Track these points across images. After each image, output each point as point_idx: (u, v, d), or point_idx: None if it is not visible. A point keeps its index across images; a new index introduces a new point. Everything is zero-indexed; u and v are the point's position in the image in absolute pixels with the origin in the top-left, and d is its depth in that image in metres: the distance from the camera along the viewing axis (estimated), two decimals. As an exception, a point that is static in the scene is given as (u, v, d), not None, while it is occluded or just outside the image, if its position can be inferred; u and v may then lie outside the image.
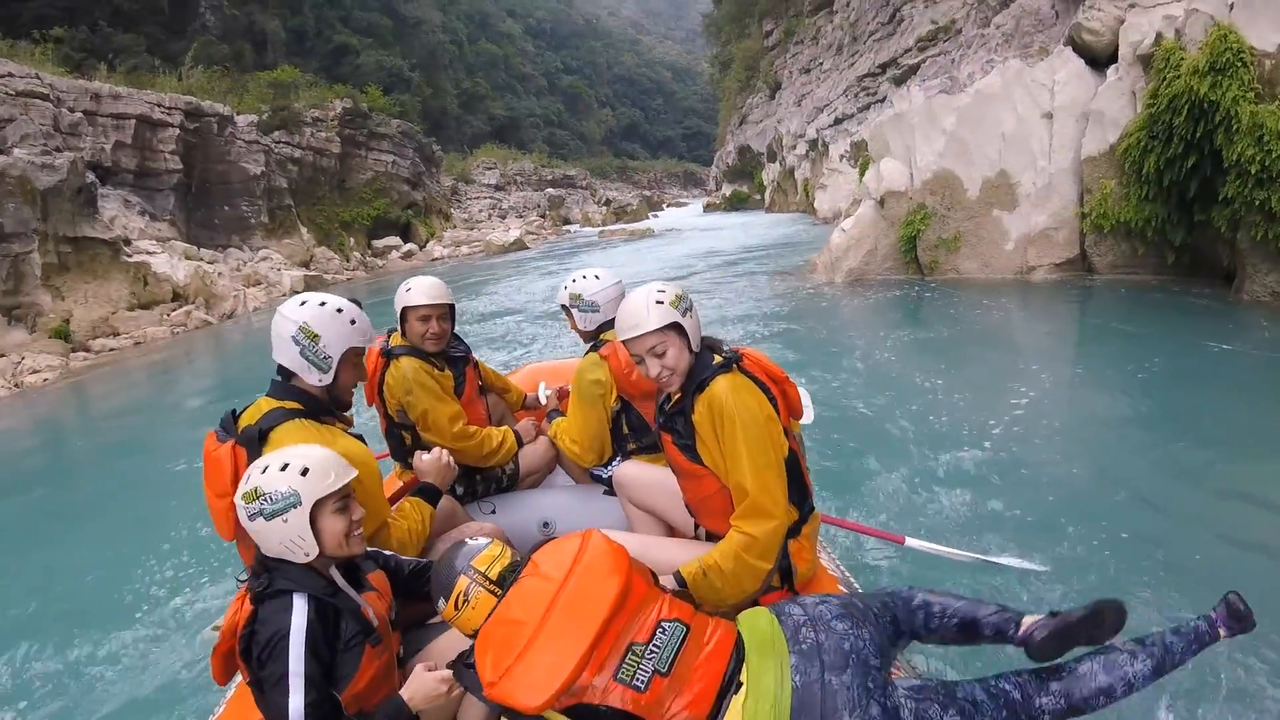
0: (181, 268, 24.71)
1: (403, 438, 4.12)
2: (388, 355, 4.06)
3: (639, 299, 2.98)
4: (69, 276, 21.22)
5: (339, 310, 3.04)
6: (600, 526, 3.14)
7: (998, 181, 14.91)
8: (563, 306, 4.24)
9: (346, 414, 3.15)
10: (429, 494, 3.35)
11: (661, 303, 2.95)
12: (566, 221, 60.86)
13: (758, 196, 55.01)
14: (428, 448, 3.78)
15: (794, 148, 43.60)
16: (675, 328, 2.96)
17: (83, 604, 6.28)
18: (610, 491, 4.03)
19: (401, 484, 3.88)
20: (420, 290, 4.05)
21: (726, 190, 63.26)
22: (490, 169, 66.45)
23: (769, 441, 2.86)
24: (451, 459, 3.49)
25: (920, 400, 8.62)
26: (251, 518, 2.37)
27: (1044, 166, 14.39)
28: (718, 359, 2.97)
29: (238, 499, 2.40)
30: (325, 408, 3.04)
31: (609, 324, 4.04)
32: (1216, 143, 10.98)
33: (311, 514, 2.37)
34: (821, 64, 40.83)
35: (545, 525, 4.03)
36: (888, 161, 16.48)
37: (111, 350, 20.03)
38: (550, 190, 66.45)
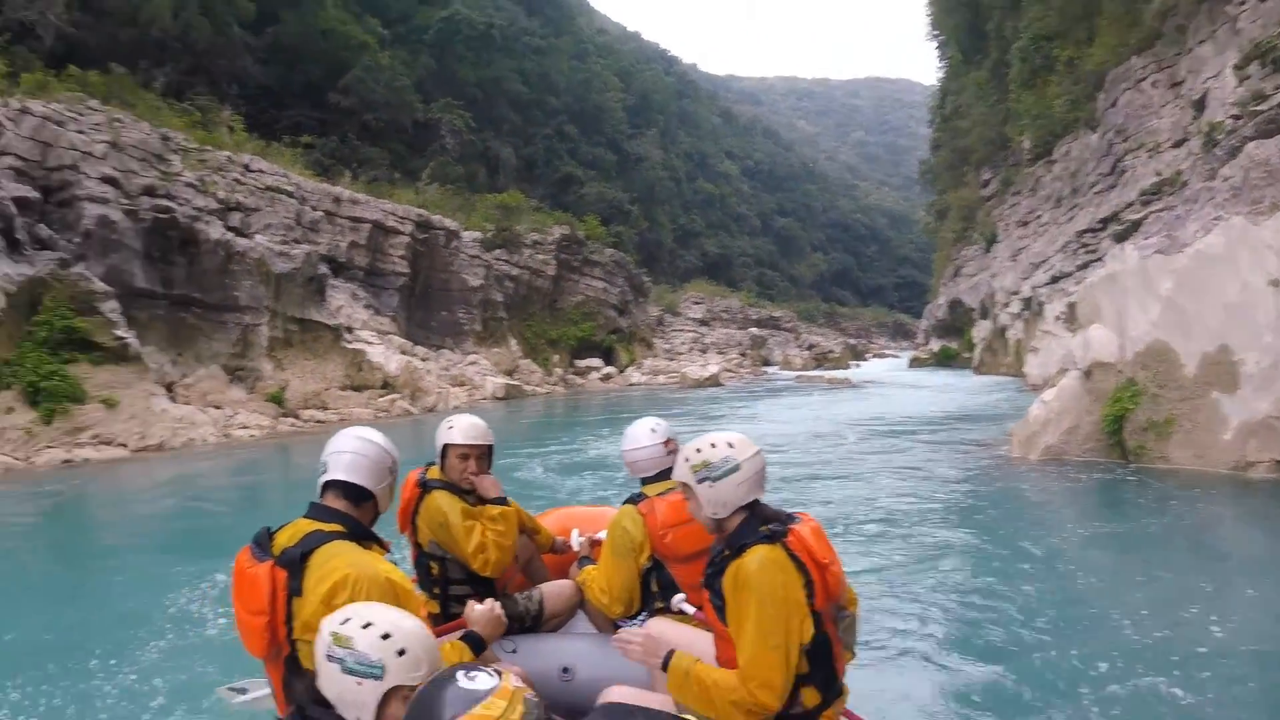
0: (394, 360, 26.51)
1: (430, 568, 4.20)
2: (423, 487, 4.18)
3: (684, 448, 3.12)
4: (291, 351, 23.55)
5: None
6: (622, 680, 3.29)
7: (1218, 358, 12.49)
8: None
9: (383, 540, 3.14)
10: (473, 642, 3.17)
11: (688, 460, 3.06)
12: (767, 362, 60.59)
13: (967, 355, 52.02)
14: (456, 579, 4.07)
15: (1007, 305, 41.20)
16: (688, 488, 3.06)
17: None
18: None
19: (426, 614, 3.64)
20: (461, 430, 4.17)
21: (935, 345, 60.87)
22: (698, 303, 67.50)
23: (782, 623, 2.80)
24: (502, 613, 3.35)
25: (1098, 604, 7.24)
26: (330, 659, 2.25)
27: (1270, 343, 11.98)
28: (766, 528, 2.95)
29: (327, 631, 2.28)
30: (366, 532, 3.07)
31: (654, 478, 4.05)
32: None
33: (381, 695, 2.21)
34: (1039, 216, 38.72)
35: (565, 671, 3.93)
36: (1096, 328, 14.72)
37: (318, 421, 21.81)
38: (754, 330, 66.75)
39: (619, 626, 4.10)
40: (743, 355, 58.40)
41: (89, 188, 20.26)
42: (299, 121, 45.34)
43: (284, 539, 2.92)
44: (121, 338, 18.46)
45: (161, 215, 21.22)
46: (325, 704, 2.32)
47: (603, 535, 4.17)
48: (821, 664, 2.92)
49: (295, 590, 2.76)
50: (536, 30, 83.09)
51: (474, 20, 63.71)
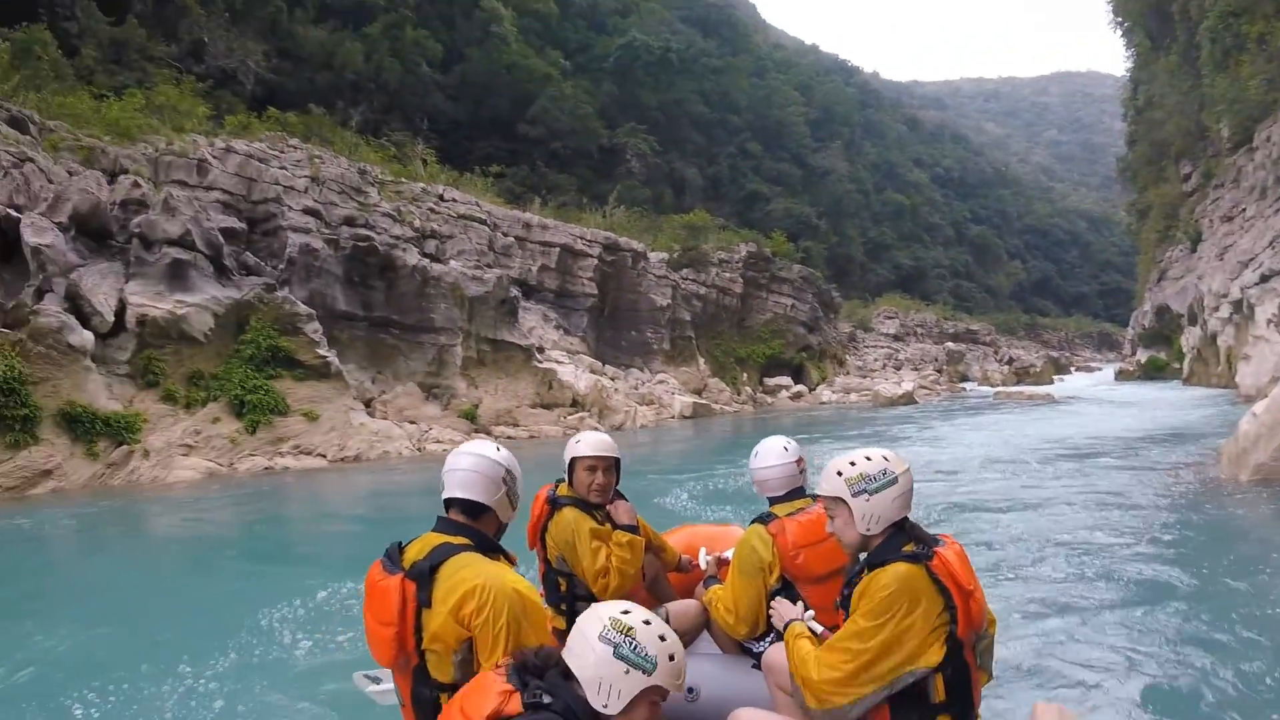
0: (584, 379, 26.85)
1: (558, 584, 4.18)
2: (553, 503, 4.17)
3: (833, 463, 3.04)
4: (484, 370, 24.48)
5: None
6: (746, 702, 3.20)
7: None
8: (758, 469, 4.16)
9: (509, 552, 3.13)
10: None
11: (841, 474, 2.98)
12: (964, 378, 58.25)
13: (1176, 365, 48.75)
14: (583, 595, 4.00)
15: (1216, 309, 37.71)
16: (841, 502, 2.98)
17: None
18: (758, 666, 3.80)
19: (552, 627, 3.77)
20: (589, 443, 4.18)
21: (1141, 356, 57.07)
22: (890, 318, 65.59)
23: (893, 644, 2.76)
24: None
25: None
26: (606, 641, 2.26)
27: None
28: (910, 547, 2.88)
29: (607, 616, 2.32)
30: (492, 544, 3.06)
31: (783, 497, 4.01)
32: None
33: (641, 690, 2.24)
34: (1244, 210, 35.62)
35: (690, 692, 3.86)
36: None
37: (509, 438, 22.23)
38: (950, 344, 64.29)
39: (744, 648, 4.07)
40: (938, 371, 56.33)
41: (292, 218, 21.68)
42: (489, 153, 46.84)
43: (414, 553, 2.96)
44: (323, 356, 19.58)
45: (360, 243, 22.42)
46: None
47: (729, 554, 4.19)
48: (960, 693, 2.83)
49: (424, 602, 2.81)
50: (714, 50, 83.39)
51: (651, 45, 64.46)
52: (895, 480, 2.94)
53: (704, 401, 32.77)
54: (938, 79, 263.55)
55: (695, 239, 42.98)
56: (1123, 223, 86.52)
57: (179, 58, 34.35)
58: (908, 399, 39.03)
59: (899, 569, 2.78)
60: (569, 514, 4.08)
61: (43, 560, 10.96)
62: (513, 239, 31.38)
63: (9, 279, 16.21)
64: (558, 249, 32.51)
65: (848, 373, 47.72)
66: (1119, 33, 66.35)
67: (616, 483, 4.28)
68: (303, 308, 19.73)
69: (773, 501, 4.01)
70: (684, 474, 15.78)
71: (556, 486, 4.27)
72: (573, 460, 4.18)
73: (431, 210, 27.58)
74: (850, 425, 27.66)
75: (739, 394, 37.70)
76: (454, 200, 29.59)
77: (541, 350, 27.54)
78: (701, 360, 37.66)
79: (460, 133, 50.67)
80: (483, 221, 29.80)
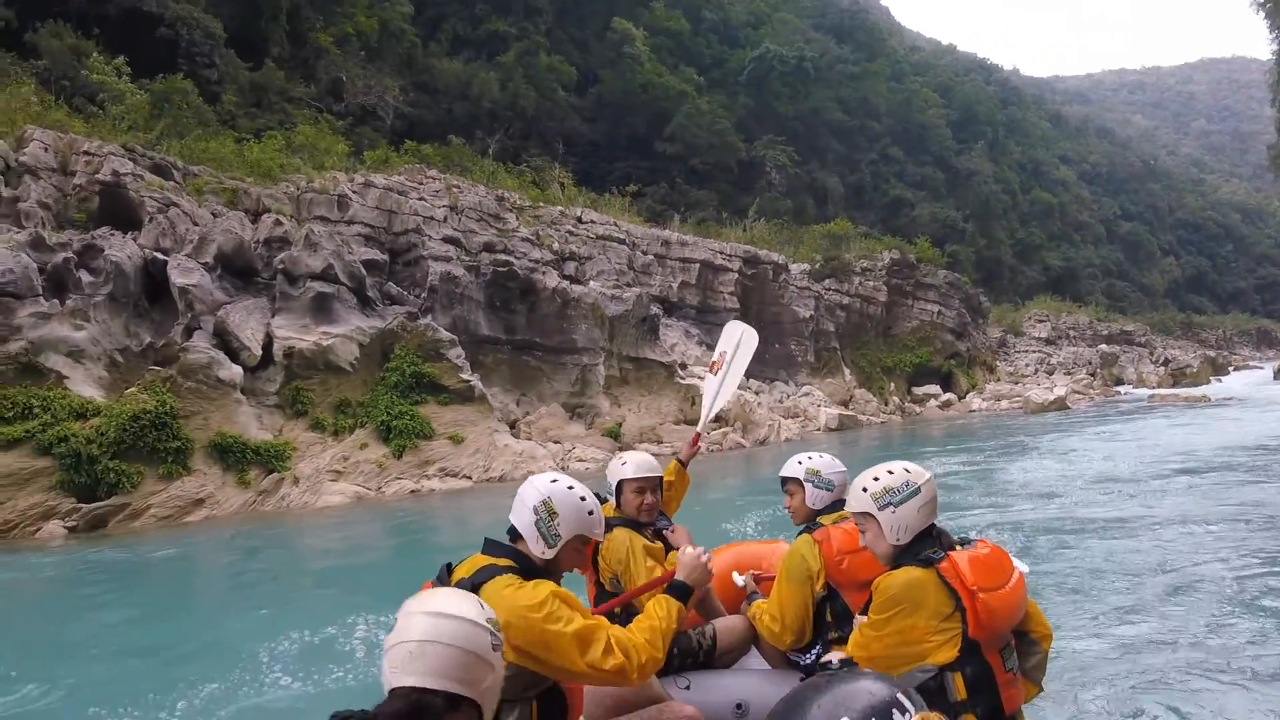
0: None
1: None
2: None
3: (859, 478, 3.21)
4: (627, 388, 24.58)
5: (583, 499, 3.14)
6: None
7: None
8: (792, 479, 4.22)
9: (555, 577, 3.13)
10: (679, 591, 3.24)
11: (866, 490, 3.14)
12: (1119, 381, 55.48)
13: None
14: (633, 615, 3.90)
15: None
16: (870, 517, 3.14)
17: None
18: (807, 677, 3.79)
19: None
20: (635, 464, 4.31)
21: None
22: (1041, 321, 62.97)
23: (896, 636, 2.99)
24: (709, 560, 3.38)
25: None
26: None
27: None
28: (926, 553, 3.04)
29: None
30: (539, 571, 3.04)
31: (830, 508, 4.12)
32: None
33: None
34: None
35: (739, 708, 3.96)
36: None
37: (654, 454, 21.78)
38: (1104, 346, 61.33)
39: (792, 661, 4.14)
40: (1092, 375, 53.53)
41: (432, 248, 22.26)
42: (628, 172, 46.86)
43: (461, 572, 3.03)
44: (466, 380, 19.99)
45: (500, 268, 22.82)
46: None
47: (768, 574, 4.40)
48: (984, 694, 2.94)
49: None
50: (849, 56, 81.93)
51: (785, 56, 63.49)
52: (919, 490, 3.09)
53: (850, 413, 31.98)
54: (1079, 73, 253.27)
55: (837, 248, 42.08)
56: (1278, 214, 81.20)
57: (318, 97, 35.60)
58: (1060, 405, 37.34)
59: (907, 572, 2.99)
60: (621, 534, 4.14)
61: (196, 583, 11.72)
62: (652, 257, 31.40)
63: (158, 319, 17.32)
64: (697, 265, 32.33)
65: (998, 379, 45.83)
66: (1261, 15, 62.08)
67: (660, 499, 4.42)
68: (445, 334, 20.21)
69: (817, 514, 4.12)
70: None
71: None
72: (620, 482, 4.31)
73: (570, 232, 27.81)
74: (996, 435, 26.63)
75: (886, 404, 36.69)
76: (592, 221, 29.76)
77: (684, 366, 27.40)
78: (847, 371, 36.84)
79: (598, 154, 51.07)
80: (621, 241, 29.87)
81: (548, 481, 3.17)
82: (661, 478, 4.40)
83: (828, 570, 3.80)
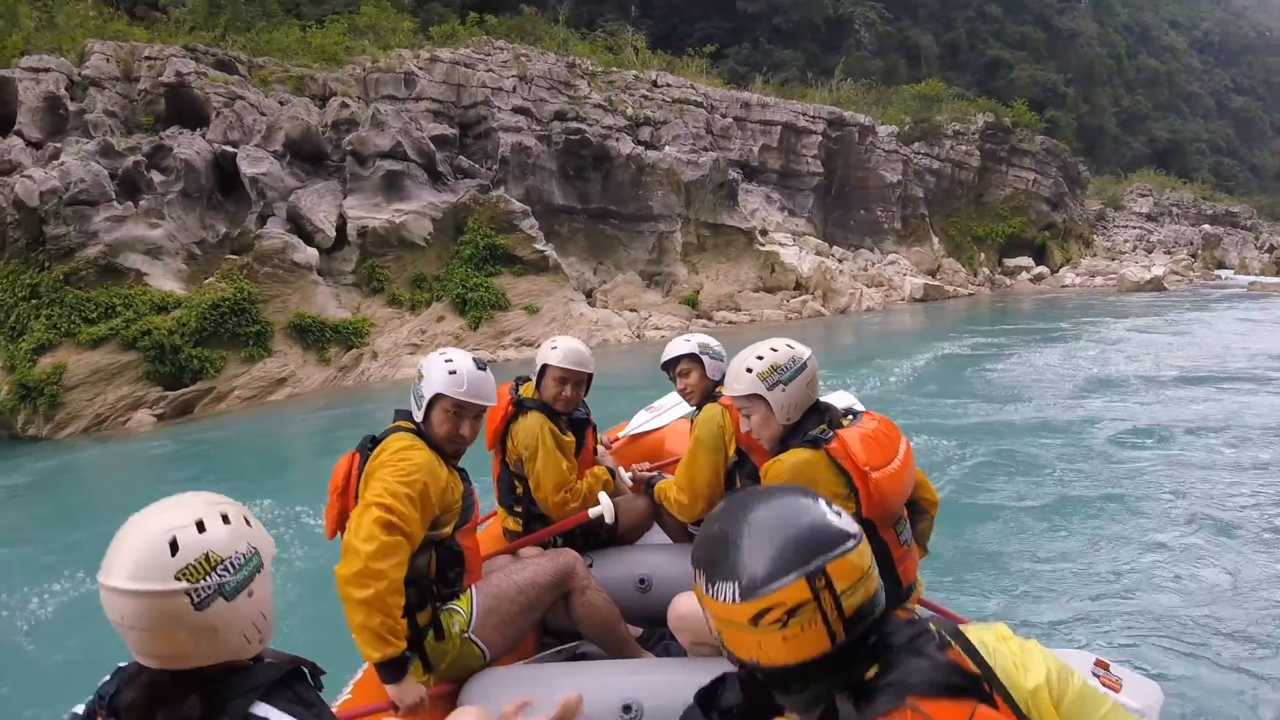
0: (807, 261, 26.12)
1: (514, 485, 4.20)
2: (518, 405, 4.13)
3: (739, 359, 3.05)
4: (705, 256, 24.35)
5: (449, 360, 3.24)
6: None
7: None
8: (684, 356, 4.09)
9: (444, 448, 3.25)
10: None
11: (751, 370, 2.98)
12: (1221, 265, 52.38)
13: None
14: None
15: None
16: (758, 399, 3.00)
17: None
18: None
19: (504, 528, 4.27)
20: (564, 353, 4.10)
21: None
22: (1144, 196, 59.69)
23: None
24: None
25: None
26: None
27: None
28: (814, 432, 2.92)
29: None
30: (426, 438, 3.20)
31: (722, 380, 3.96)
32: None
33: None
34: None
35: (642, 582, 4.02)
36: None
37: (730, 323, 22.28)
38: (1207, 227, 57.80)
39: (694, 532, 4.04)
40: (1192, 256, 50.64)
41: (502, 119, 22.12)
42: (709, 33, 45.10)
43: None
44: (541, 251, 20.06)
45: (573, 137, 22.55)
46: None
47: (655, 475, 4.32)
48: (879, 570, 2.36)
49: (361, 466, 3.14)
50: (946, -95, 77.43)
51: (877, -97, 60.29)
52: (805, 366, 3.00)
53: (936, 283, 31.14)
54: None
55: (928, 111, 40.19)
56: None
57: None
58: (1156, 285, 35.42)
59: (795, 456, 2.85)
60: (533, 419, 4.05)
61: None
62: (731, 120, 30.51)
63: (232, 210, 17.89)
64: (779, 127, 31.27)
65: (1094, 254, 43.75)
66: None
67: (585, 396, 4.30)
68: (518, 205, 20.21)
69: (716, 385, 4.03)
70: (900, 357, 15.42)
71: (519, 387, 4.24)
72: (544, 366, 4.14)
73: (645, 97, 27.18)
74: (1086, 314, 25.07)
75: (976, 275, 35.65)
76: (668, 85, 28.96)
77: (764, 233, 26.92)
78: (935, 239, 35.73)
79: (676, 16, 49.58)
80: (699, 104, 28.99)
81: (433, 354, 3.35)
82: (589, 375, 4.23)
83: (738, 435, 3.70)
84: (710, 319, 22.28)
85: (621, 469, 4.69)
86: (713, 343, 4.13)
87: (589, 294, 21.38)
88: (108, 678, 1.69)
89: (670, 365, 4.15)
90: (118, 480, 11.75)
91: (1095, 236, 47.44)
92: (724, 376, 3.79)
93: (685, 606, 3.16)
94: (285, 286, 16.78)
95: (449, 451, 3.24)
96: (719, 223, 24.61)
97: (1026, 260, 38.95)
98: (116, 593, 1.54)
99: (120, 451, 12.97)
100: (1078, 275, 38.84)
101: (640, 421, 5.89)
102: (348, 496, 3.17)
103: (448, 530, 3.16)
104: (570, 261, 21.20)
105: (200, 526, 1.61)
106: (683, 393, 4.19)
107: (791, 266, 25.29)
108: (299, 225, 17.65)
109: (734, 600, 1.46)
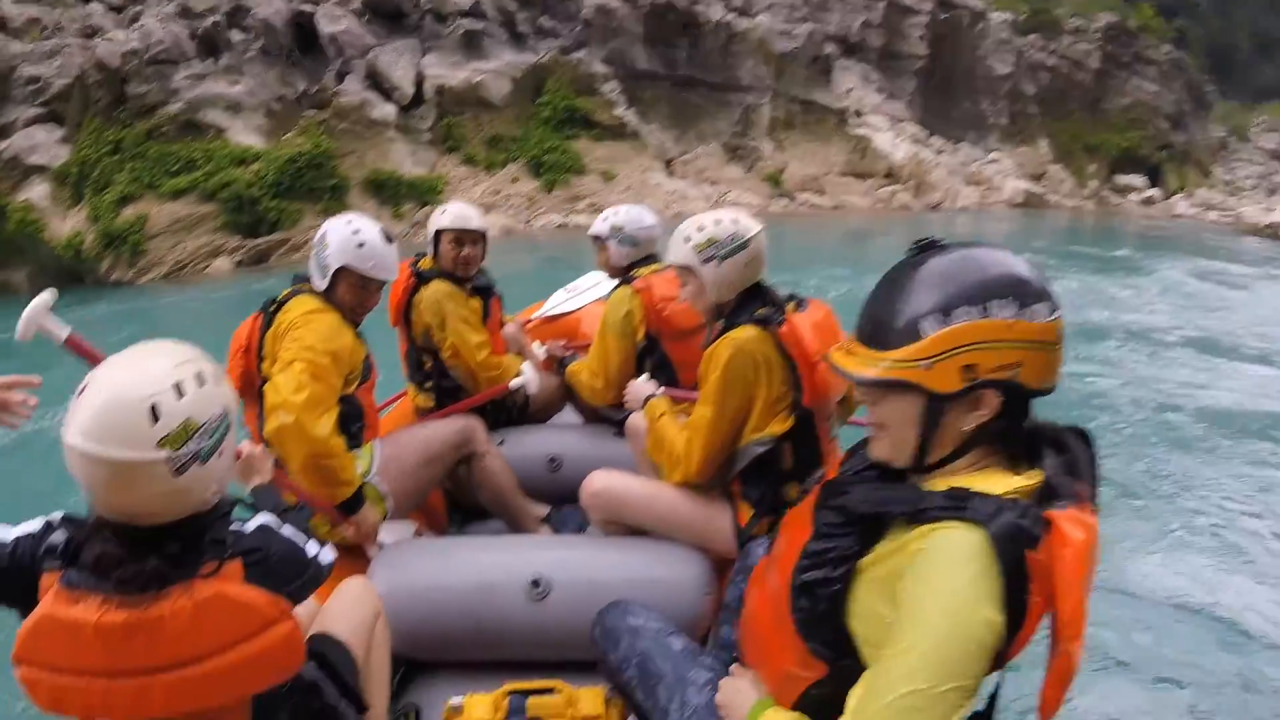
0: (902, 148, 25.20)
1: (422, 361, 4.18)
2: (418, 277, 4.08)
3: (680, 229, 2.91)
4: (792, 133, 23.65)
5: (356, 231, 3.16)
6: (609, 468, 3.19)
7: None
8: (595, 237, 4.14)
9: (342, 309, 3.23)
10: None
11: (689, 241, 2.84)
12: None
13: None
14: (446, 372, 4.08)
15: None
16: (691, 271, 2.87)
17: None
18: (620, 433, 3.87)
19: (414, 406, 4.26)
20: (453, 214, 4.06)
21: None
22: (1273, 131, 56.06)
23: (732, 409, 2.74)
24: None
25: None
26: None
27: None
28: (762, 311, 2.77)
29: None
30: (339, 310, 3.18)
31: (642, 261, 4.02)
32: None
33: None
34: None
35: (553, 461, 4.01)
36: None
37: (812, 205, 21.78)
38: (1343, 176, 54.38)
39: (605, 415, 4.16)
40: (1319, 203, 47.38)
41: None
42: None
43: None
44: (621, 117, 19.98)
45: (659, 0, 21.91)
46: None
47: (570, 355, 4.35)
48: (806, 462, 2.85)
49: (264, 328, 3.13)
50: None
51: None
52: (745, 245, 2.82)
53: (1039, 191, 29.68)
54: None
55: (1047, 1, 38.06)
56: None
57: None
58: (1272, 232, 32.72)
59: (741, 335, 2.73)
60: (436, 288, 4.01)
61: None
62: (834, -10, 29.14)
63: (311, 67, 18.47)
64: (883, 3, 29.31)
65: (1211, 186, 40.67)
66: None
67: (483, 257, 4.21)
68: (600, 68, 20.18)
69: (633, 265, 4.01)
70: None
71: (418, 260, 4.19)
72: (437, 233, 4.09)
73: (741, -40, 26.14)
74: (1194, 253, 21.41)
75: (1083, 187, 33.78)
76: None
77: (858, 114, 25.82)
78: (1043, 142, 34.02)
79: None
80: (796, -29, 27.77)
81: (336, 218, 3.28)
82: (483, 233, 4.13)
83: (648, 319, 3.72)
84: (792, 199, 21.81)
85: (537, 343, 4.62)
86: (631, 224, 4.04)
87: (668, 164, 21.04)
88: (36, 528, 1.73)
89: (593, 239, 4.18)
90: (195, 319, 12.57)
91: (1215, 167, 44.34)
92: (634, 263, 4.01)
93: (600, 483, 3.10)
94: (362, 143, 17.32)
95: (351, 320, 3.23)
96: (810, 99, 23.94)
97: (1139, 179, 36.52)
98: (90, 458, 1.51)
99: (197, 295, 14.01)
100: (1191, 206, 36.03)
101: (556, 301, 5.80)
102: (250, 356, 3.18)
103: (350, 390, 3.16)
104: (651, 129, 20.92)
105: (179, 390, 1.60)
106: (602, 267, 4.26)
107: (884, 153, 24.48)
108: (377, 83, 18.08)
109: (1050, 317, 1.43)
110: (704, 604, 2.79)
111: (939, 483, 1.46)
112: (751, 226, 2.87)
